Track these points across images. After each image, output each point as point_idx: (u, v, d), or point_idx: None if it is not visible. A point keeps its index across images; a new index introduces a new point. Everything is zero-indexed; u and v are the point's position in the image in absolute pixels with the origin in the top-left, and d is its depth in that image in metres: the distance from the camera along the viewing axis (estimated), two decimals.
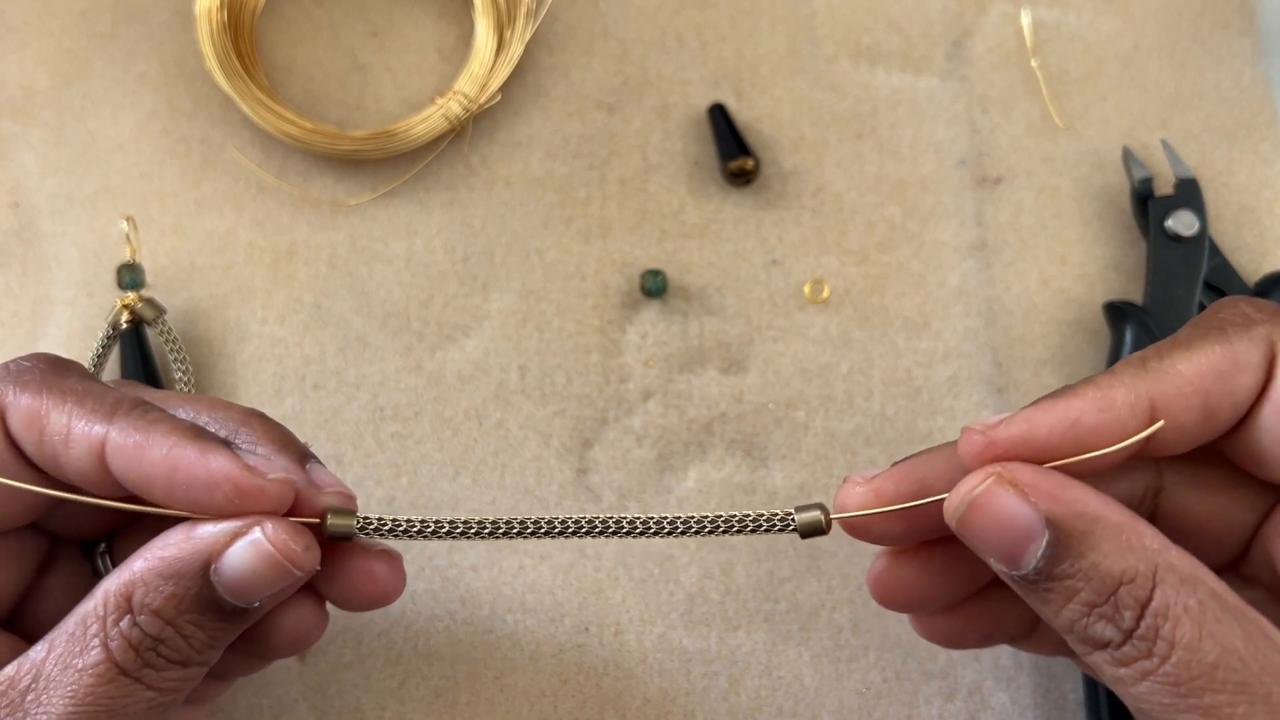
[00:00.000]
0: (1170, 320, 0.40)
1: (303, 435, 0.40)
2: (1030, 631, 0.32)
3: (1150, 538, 0.25)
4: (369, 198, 0.42)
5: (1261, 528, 0.30)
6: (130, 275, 0.40)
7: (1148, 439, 0.27)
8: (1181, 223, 0.41)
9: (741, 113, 0.44)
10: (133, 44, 0.43)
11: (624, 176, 0.43)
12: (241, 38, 0.42)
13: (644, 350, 0.41)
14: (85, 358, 0.40)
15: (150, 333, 0.40)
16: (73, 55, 0.43)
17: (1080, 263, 0.43)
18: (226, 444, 0.28)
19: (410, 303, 0.42)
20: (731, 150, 0.42)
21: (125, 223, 0.40)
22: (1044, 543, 0.25)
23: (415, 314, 0.41)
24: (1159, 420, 0.27)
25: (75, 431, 0.28)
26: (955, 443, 0.28)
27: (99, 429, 0.28)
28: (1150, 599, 0.25)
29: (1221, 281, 0.41)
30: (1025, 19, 0.45)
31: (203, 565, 0.27)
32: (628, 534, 0.31)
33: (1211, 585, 0.25)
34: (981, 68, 0.44)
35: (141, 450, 0.28)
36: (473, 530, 0.31)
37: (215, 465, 0.28)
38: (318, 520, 0.29)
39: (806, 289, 0.42)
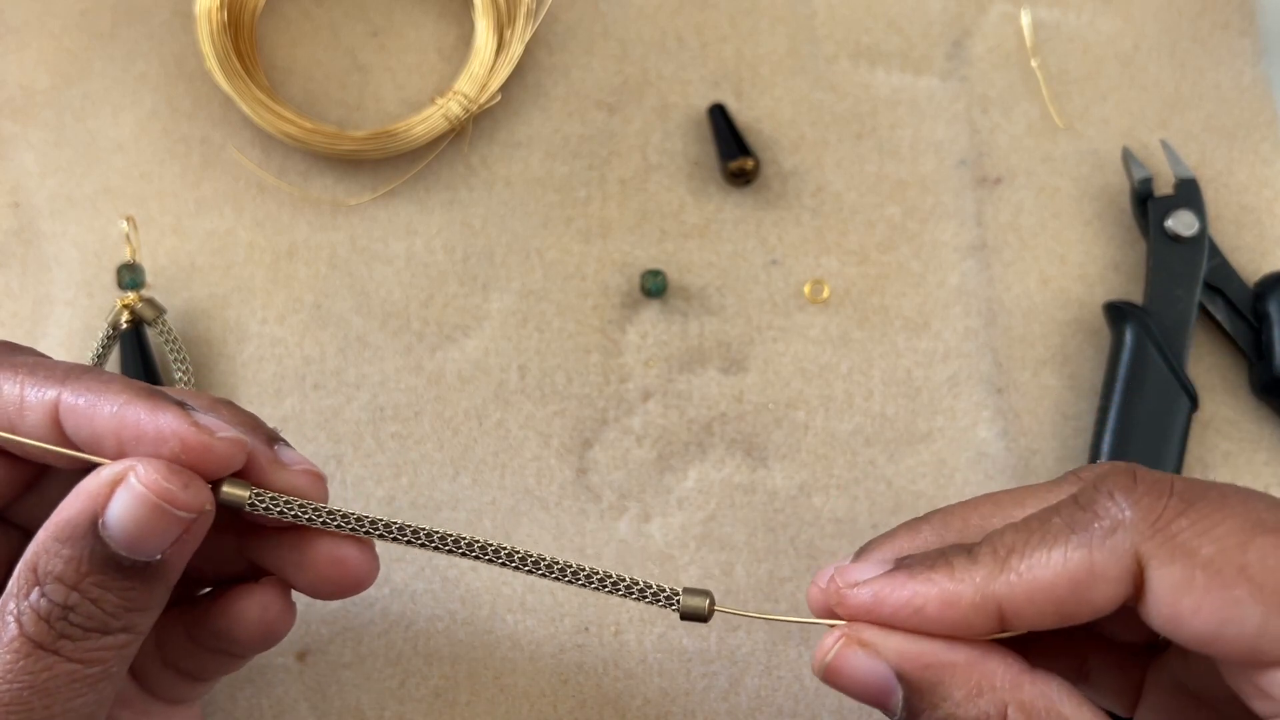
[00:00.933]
0: (1170, 320, 0.40)
1: (303, 435, 0.40)
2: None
3: (1000, 676, 0.26)
4: (369, 198, 0.42)
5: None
6: (130, 275, 0.40)
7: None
8: (1181, 223, 0.41)
9: (741, 113, 0.44)
10: (133, 44, 0.43)
11: (624, 176, 0.43)
12: (241, 38, 0.42)
13: (644, 350, 0.41)
14: (85, 358, 0.40)
15: (150, 333, 0.40)
16: (73, 55, 0.43)
17: (1080, 263, 0.43)
18: (180, 404, 0.28)
19: (410, 303, 0.42)
20: (731, 150, 0.42)
21: (125, 223, 0.40)
22: (900, 697, 0.27)
23: (415, 314, 0.42)
24: (1005, 629, 0.27)
25: (29, 399, 0.28)
26: (921, 519, 0.29)
27: (51, 392, 0.28)
28: None
29: (1221, 281, 0.41)
30: (1025, 19, 0.45)
31: (91, 521, 0.27)
32: (515, 567, 0.30)
33: (1064, 713, 0.26)
34: (981, 68, 0.44)
35: (93, 408, 0.27)
36: (364, 529, 0.30)
37: (163, 421, 0.27)
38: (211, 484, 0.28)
39: (806, 289, 0.42)
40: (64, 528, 0.27)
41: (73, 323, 0.41)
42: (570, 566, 0.30)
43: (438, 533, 0.30)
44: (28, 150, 0.42)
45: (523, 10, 0.43)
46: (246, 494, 0.29)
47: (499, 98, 0.43)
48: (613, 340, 0.41)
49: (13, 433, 0.28)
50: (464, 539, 0.30)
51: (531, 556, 0.30)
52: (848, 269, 0.42)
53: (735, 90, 0.44)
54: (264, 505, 0.29)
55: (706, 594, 0.30)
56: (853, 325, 0.42)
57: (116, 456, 0.28)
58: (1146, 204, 0.42)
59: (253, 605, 0.30)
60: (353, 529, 0.30)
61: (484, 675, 0.38)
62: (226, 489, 0.29)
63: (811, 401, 0.41)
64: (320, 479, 0.30)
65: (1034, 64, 0.45)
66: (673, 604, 0.30)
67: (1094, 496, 0.27)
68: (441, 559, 0.39)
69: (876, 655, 0.27)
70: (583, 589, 0.30)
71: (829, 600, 0.28)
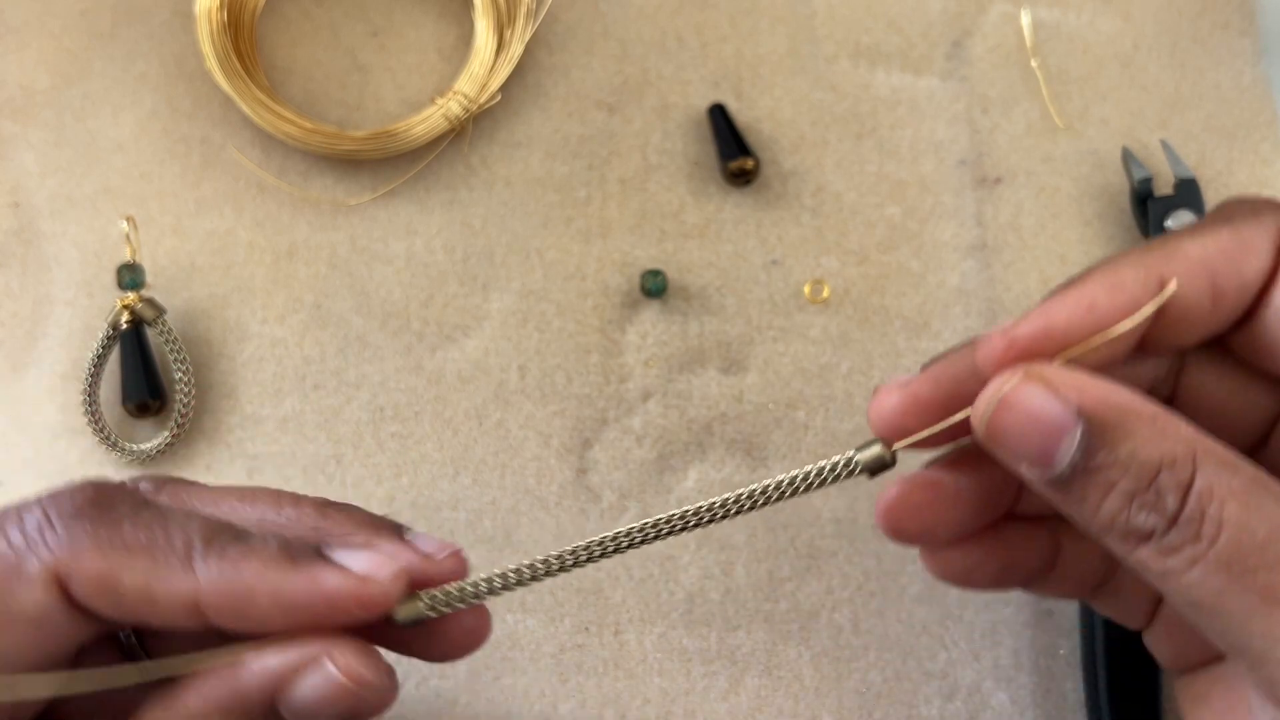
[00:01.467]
0: None
1: (303, 435, 0.40)
2: (1049, 568, 0.31)
3: (1186, 427, 0.25)
4: (369, 198, 0.43)
5: (1277, 424, 0.29)
6: (130, 275, 0.40)
7: (1161, 309, 0.26)
8: (1181, 223, 0.41)
9: (741, 113, 0.44)
10: (133, 44, 0.43)
11: (624, 176, 0.43)
12: (241, 38, 0.42)
13: (644, 350, 0.41)
14: (85, 358, 0.40)
15: (150, 333, 0.40)
16: (73, 55, 0.43)
17: (1080, 263, 0.43)
18: (319, 554, 0.27)
19: (410, 303, 0.42)
20: (731, 150, 0.42)
21: (125, 223, 0.40)
22: (1078, 435, 0.24)
23: (415, 314, 0.42)
24: (1170, 288, 0.26)
25: (159, 591, 0.26)
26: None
27: (185, 585, 0.26)
28: (1192, 481, 0.24)
29: None
30: (1025, 19, 0.45)
31: (269, 698, 0.26)
32: (693, 527, 0.28)
33: (1249, 469, 0.24)
34: (981, 68, 0.45)
35: (242, 593, 0.26)
36: (526, 578, 0.28)
37: (329, 585, 0.26)
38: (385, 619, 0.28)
39: (806, 289, 0.42)
40: (235, 699, 0.26)
41: (73, 323, 0.41)
42: (748, 493, 0.28)
43: (591, 544, 0.28)
44: (28, 150, 0.42)
45: (523, 10, 0.43)
46: (421, 604, 0.28)
47: (499, 98, 0.43)
48: (613, 340, 0.41)
49: (138, 621, 0.26)
50: (620, 534, 0.28)
51: (706, 506, 0.28)
52: (848, 269, 0.42)
53: (735, 90, 0.44)
54: (440, 606, 0.28)
55: (875, 441, 0.28)
56: (853, 325, 0.42)
57: (269, 629, 0.27)
58: (1146, 204, 0.42)
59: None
60: (518, 583, 0.28)
61: (484, 675, 0.38)
62: (402, 613, 0.28)
63: (811, 401, 0.41)
64: (459, 557, 0.29)
65: (1034, 64, 0.45)
66: (854, 469, 0.28)
67: (1223, 208, 0.28)
68: None
69: (1056, 393, 0.25)
70: (770, 505, 0.29)
71: (1006, 337, 0.27)
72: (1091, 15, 0.45)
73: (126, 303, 0.40)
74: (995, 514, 0.30)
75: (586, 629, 0.39)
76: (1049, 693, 0.38)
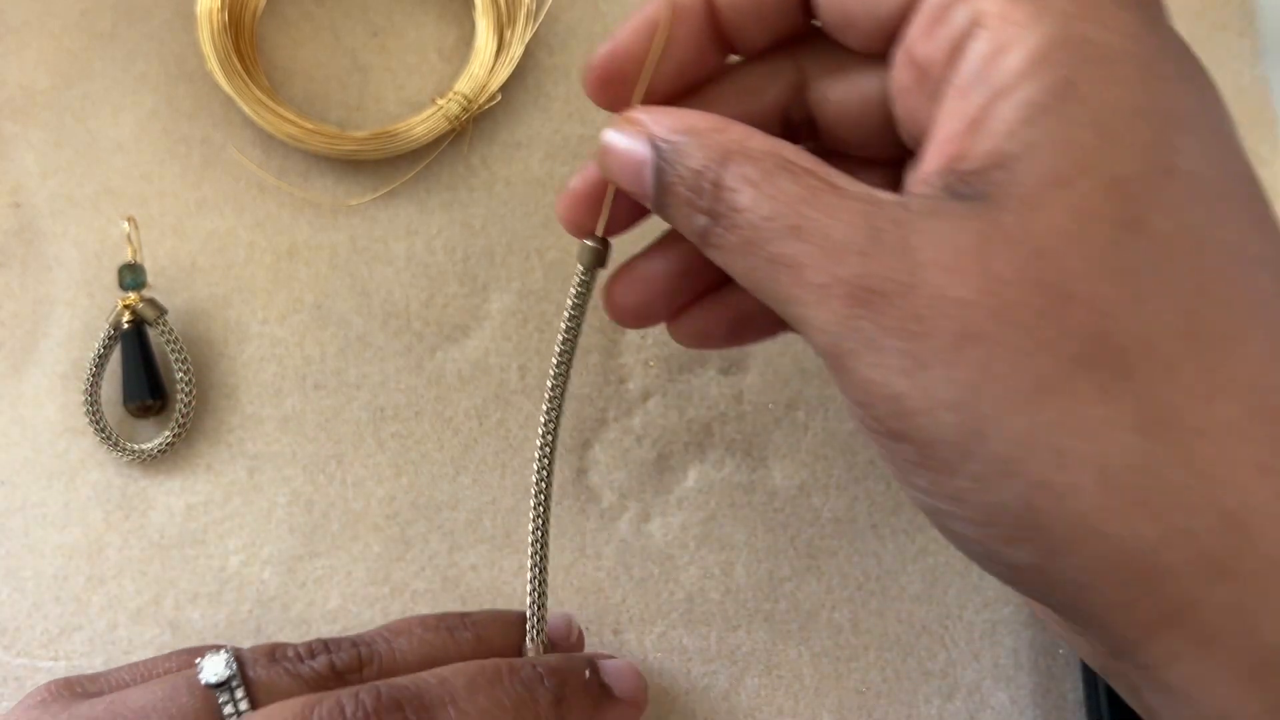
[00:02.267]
0: None
1: (304, 435, 0.40)
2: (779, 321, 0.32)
3: (735, 133, 0.27)
4: (369, 198, 0.43)
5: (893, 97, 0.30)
6: (131, 275, 0.40)
7: (718, 20, 0.29)
8: None
9: None
10: (133, 44, 0.43)
11: None
12: (242, 38, 0.42)
13: (644, 350, 0.41)
14: (86, 358, 0.40)
15: (151, 333, 0.40)
16: (73, 55, 0.43)
17: None
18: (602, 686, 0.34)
19: (411, 303, 0.42)
20: None
21: (126, 223, 0.40)
22: (652, 163, 0.27)
23: (416, 314, 0.42)
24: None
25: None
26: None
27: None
28: (721, 180, 0.26)
29: None
30: None
31: None
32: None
33: (786, 156, 0.26)
34: None
35: None
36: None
37: None
38: None
39: None
40: None
41: (73, 323, 0.41)
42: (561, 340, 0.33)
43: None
44: (28, 150, 0.42)
45: (523, 11, 0.43)
46: None
47: (499, 98, 0.43)
48: (612, 340, 0.42)
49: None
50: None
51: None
52: None
53: None
54: None
55: (585, 242, 0.32)
56: None
57: None
58: None
59: None
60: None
61: None
62: None
63: (811, 401, 0.41)
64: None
65: None
66: (584, 273, 0.32)
67: None
68: (442, 559, 0.39)
69: (635, 130, 0.28)
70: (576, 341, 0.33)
71: (586, 85, 0.31)
72: None
73: (127, 303, 0.40)
74: (706, 279, 0.32)
75: (586, 628, 0.39)
76: (1049, 692, 0.39)
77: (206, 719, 0.31)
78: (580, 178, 0.32)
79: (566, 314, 0.32)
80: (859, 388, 0.24)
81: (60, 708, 0.31)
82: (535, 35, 0.44)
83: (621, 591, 0.39)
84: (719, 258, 0.27)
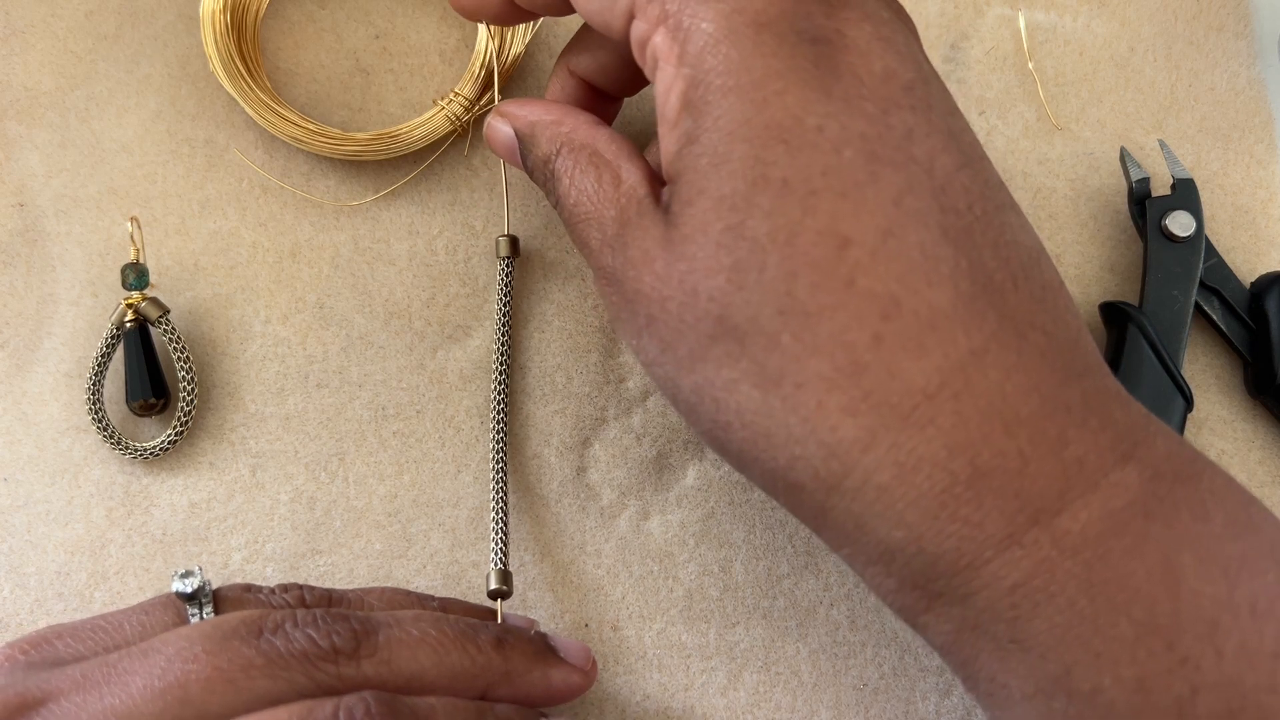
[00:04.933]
0: (1166, 320, 0.40)
1: (306, 434, 0.41)
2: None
3: (567, 126, 0.33)
4: (371, 198, 0.43)
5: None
6: (135, 275, 0.40)
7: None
8: (1178, 223, 0.41)
9: None
10: (137, 46, 0.44)
11: None
12: (245, 41, 0.43)
13: None
14: (90, 356, 0.40)
15: (154, 332, 0.41)
16: (77, 57, 0.43)
17: (1076, 263, 0.43)
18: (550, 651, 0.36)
19: (412, 302, 0.42)
20: None
21: (130, 223, 0.40)
22: (518, 148, 0.35)
23: (417, 314, 0.42)
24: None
25: None
26: None
27: None
28: (554, 169, 0.33)
29: (1217, 281, 0.41)
30: (1022, 22, 0.45)
31: None
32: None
33: (596, 147, 0.32)
34: (978, 70, 0.45)
35: None
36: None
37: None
38: None
39: None
40: None
41: (77, 322, 0.41)
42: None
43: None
44: (33, 151, 0.43)
45: None
46: None
47: (500, 99, 0.43)
48: (612, 340, 0.42)
49: None
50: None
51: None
52: None
53: None
54: None
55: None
56: None
57: None
58: (1144, 204, 0.42)
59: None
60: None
61: None
62: None
63: None
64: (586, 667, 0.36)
65: (1030, 66, 0.45)
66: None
67: None
68: (443, 555, 0.40)
69: (506, 120, 0.35)
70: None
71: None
72: (1088, 18, 0.45)
73: (131, 302, 0.40)
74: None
75: (586, 625, 0.39)
76: None
77: (175, 624, 0.32)
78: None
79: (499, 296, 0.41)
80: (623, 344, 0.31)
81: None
82: (535, 36, 0.44)
83: (621, 589, 0.40)
84: (565, 227, 0.34)
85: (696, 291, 0.28)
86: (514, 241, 0.41)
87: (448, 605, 0.37)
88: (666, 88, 0.29)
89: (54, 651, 0.32)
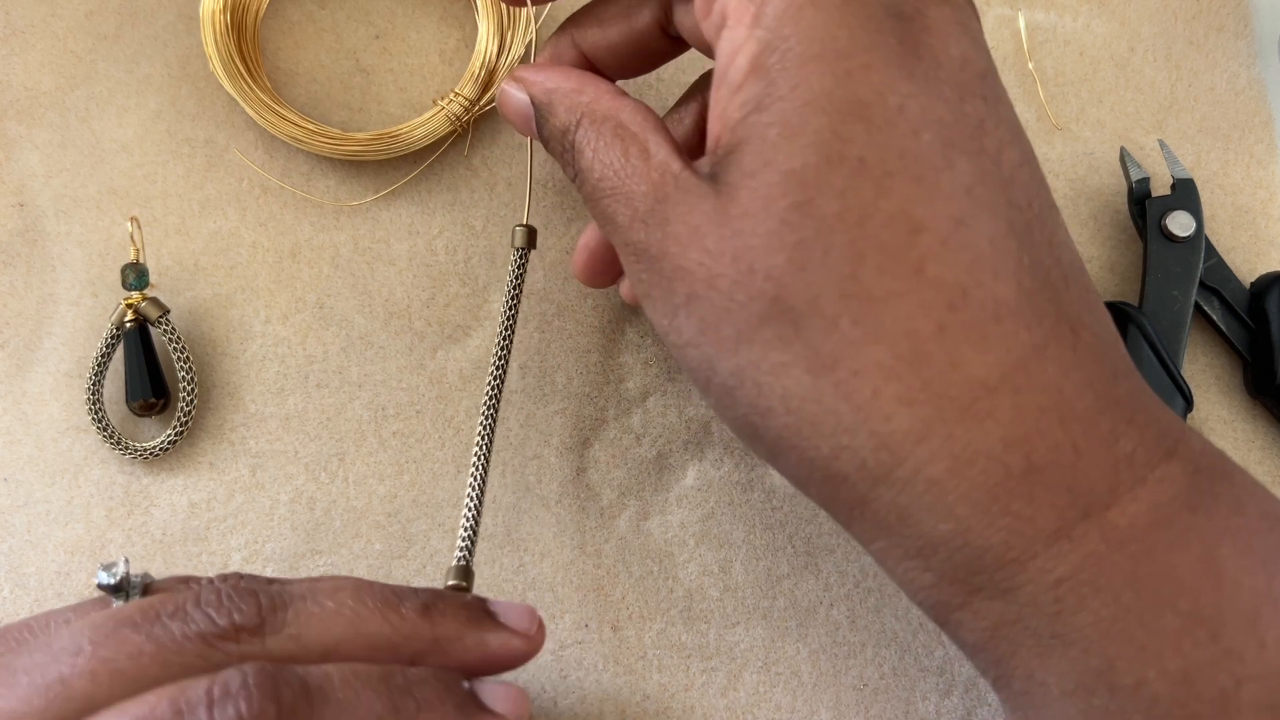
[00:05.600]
0: (1166, 320, 0.40)
1: (306, 434, 0.41)
2: None
3: (588, 95, 0.32)
4: (371, 198, 0.43)
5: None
6: (134, 275, 0.40)
7: None
8: (1178, 223, 0.41)
9: None
10: (137, 46, 0.44)
11: None
12: (245, 41, 0.43)
13: (643, 350, 0.42)
14: (90, 356, 0.40)
15: (154, 332, 0.41)
16: (78, 57, 0.43)
17: None
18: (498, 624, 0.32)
19: (412, 303, 0.42)
20: None
21: (130, 223, 0.40)
22: (534, 115, 0.33)
23: (417, 314, 0.42)
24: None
25: None
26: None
27: None
28: (574, 140, 0.32)
29: (1217, 281, 0.41)
30: (1021, 22, 0.45)
31: None
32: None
33: (620, 119, 0.31)
34: None
35: None
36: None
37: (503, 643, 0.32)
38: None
39: None
40: None
41: (77, 322, 0.41)
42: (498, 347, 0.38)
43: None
44: (33, 151, 0.43)
45: (523, 13, 0.43)
46: None
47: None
48: (612, 340, 0.42)
49: None
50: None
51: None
52: None
53: None
54: None
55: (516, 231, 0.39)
56: None
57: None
58: (1144, 203, 0.42)
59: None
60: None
61: None
62: None
63: None
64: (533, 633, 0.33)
65: (1030, 66, 0.45)
66: (517, 249, 0.38)
67: None
68: (443, 556, 0.40)
69: (522, 88, 0.34)
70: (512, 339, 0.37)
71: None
72: (1087, 18, 0.45)
73: (131, 302, 0.40)
74: None
75: (586, 625, 0.39)
76: None
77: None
78: (590, 235, 0.37)
79: (509, 290, 0.38)
80: (651, 323, 0.31)
81: None
82: (535, 37, 0.44)
83: (621, 589, 0.39)
84: (582, 196, 0.32)
85: (753, 269, 0.27)
86: (532, 232, 0.39)
87: (401, 593, 0.33)
88: (734, 49, 0.28)
89: None
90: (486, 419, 0.37)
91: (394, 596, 0.30)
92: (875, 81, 0.27)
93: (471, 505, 0.35)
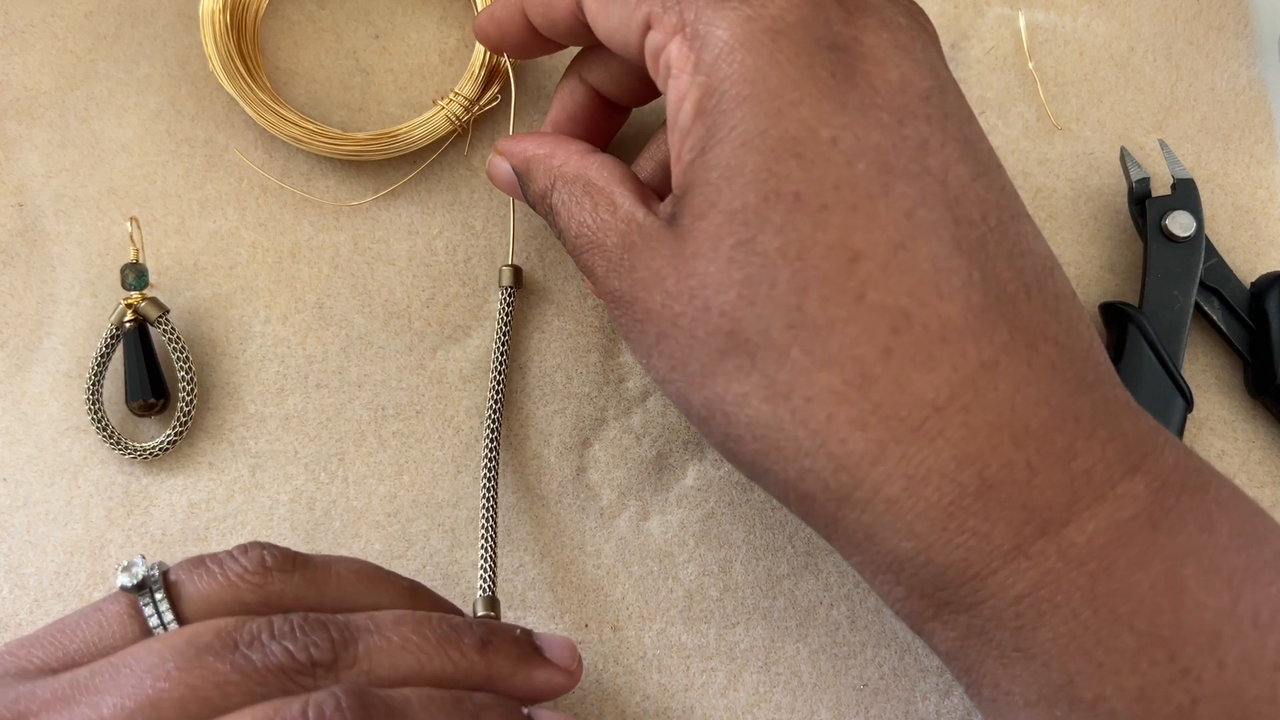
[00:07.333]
0: (1166, 320, 0.40)
1: (305, 434, 0.41)
2: None
3: (559, 159, 0.34)
4: (371, 198, 0.43)
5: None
6: (134, 275, 0.40)
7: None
8: (1178, 223, 0.41)
9: None
10: (137, 46, 0.44)
11: None
12: (245, 40, 0.43)
13: None
14: (89, 356, 0.40)
15: (154, 332, 0.41)
16: (77, 57, 0.43)
17: (1076, 263, 0.43)
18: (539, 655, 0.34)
19: (412, 302, 0.42)
20: None
21: (129, 223, 0.40)
22: (517, 183, 0.36)
23: (417, 314, 0.42)
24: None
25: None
26: None
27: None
28: (551, 202, 0.34)
29: (1217, 281, 0.41)
30: (1022, 22, 0.45)
31: None
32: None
33: (588, 177, 0.33)
34: (979, 70, 0.45)
35: None
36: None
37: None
38: None
39: None
40: None
41: (76, 322, 0.41)
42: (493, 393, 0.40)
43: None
44: (32, 151, 0.43)
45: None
46: None
47: (499, 99, 0.43)
48: (612, 340, 0.42)
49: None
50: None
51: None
52: None
53: None
54: None
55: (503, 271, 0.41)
56: None
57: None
58: (1144, 204, 0.42)
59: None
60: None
61: None
62: None
63: None
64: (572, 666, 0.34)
65: (1030, 66, 0.45)
66: (504, 289, 0.41)
67: None
68: (443, 556, 0.39)
69: (504, 158, 0.37)
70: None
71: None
72: (1088, 18, 0.45)
73: (130, 302, 0.40)
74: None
75: (586, 625, 0.39)
76: None
77: (130, 622, 0.30)
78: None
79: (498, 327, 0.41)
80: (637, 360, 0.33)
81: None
82: (514, 87, 0.44)
83: (621, 589, 0.39)
84: (571, 257, 0.34)
85: (708, 307, 0.28)
86: (517, 272, 0.41)
87: (417, 589, 0.35)
88: (680, 96, 0.29)
89: (17, 663, 0.30)
90: (489, 456, 0.39)
91: (453, 632, 0.32)
92: (806, 116, 0.28)
93: (487, 536, 0.38)
